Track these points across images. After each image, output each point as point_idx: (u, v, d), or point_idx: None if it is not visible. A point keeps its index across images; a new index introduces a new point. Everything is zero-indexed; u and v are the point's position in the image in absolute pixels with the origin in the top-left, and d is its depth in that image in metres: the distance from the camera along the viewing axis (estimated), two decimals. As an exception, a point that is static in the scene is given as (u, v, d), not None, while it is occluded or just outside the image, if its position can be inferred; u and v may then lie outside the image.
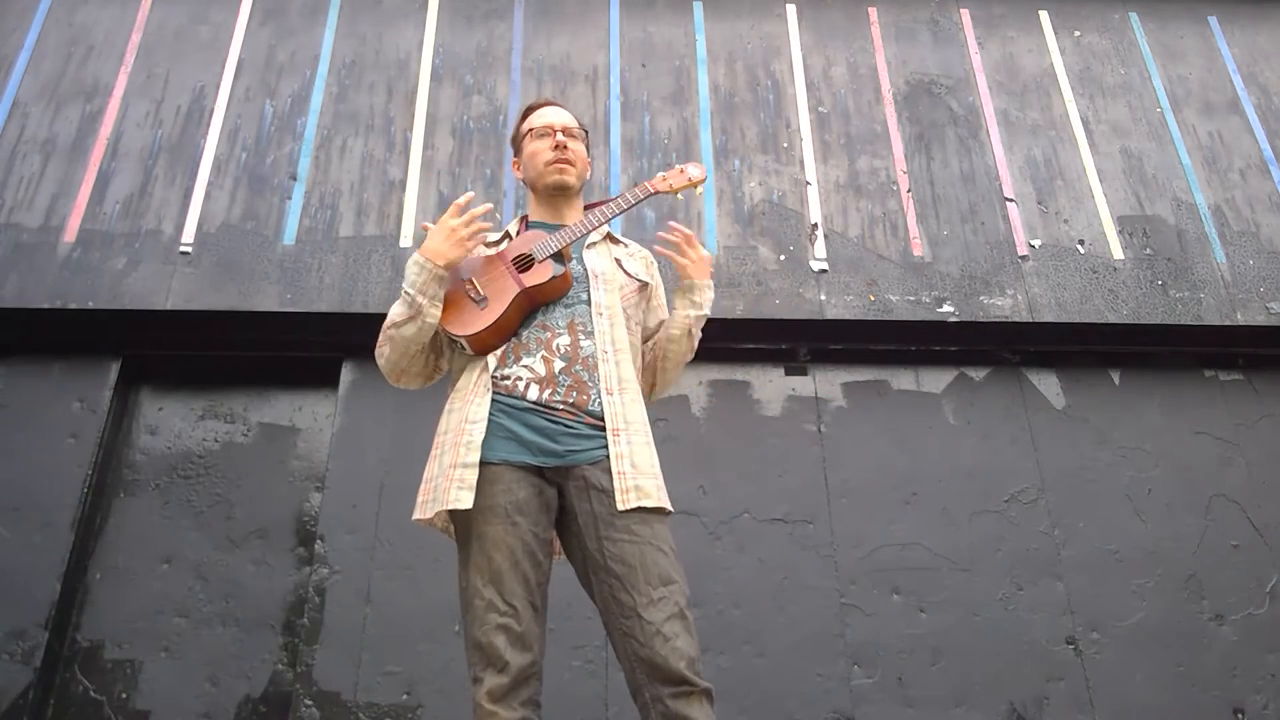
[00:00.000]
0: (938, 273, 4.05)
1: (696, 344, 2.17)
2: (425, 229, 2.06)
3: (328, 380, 3.91)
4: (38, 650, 3.32)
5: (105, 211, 3.97)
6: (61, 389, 3.77)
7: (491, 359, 1.97)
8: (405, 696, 3.32)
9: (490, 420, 1.91)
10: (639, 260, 2.22)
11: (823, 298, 3.96)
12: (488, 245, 2.17)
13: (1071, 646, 3.52)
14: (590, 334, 2.00)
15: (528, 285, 1.98)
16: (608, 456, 1.90)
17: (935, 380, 4.02)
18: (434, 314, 1.99)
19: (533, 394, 1.93)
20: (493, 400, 1.93)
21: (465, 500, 1.84)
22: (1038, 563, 3.65)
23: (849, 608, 3.55)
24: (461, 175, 4.15)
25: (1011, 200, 4.27)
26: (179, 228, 3.95)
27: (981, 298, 3.99)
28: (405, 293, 1.99)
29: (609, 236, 2.21)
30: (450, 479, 1.87)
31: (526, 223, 2.20)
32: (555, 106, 2.25)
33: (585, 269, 2.08)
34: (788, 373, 3.99)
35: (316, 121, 4.25)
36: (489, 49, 4.52)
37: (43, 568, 3.45)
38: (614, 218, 2.11)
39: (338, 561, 3.50)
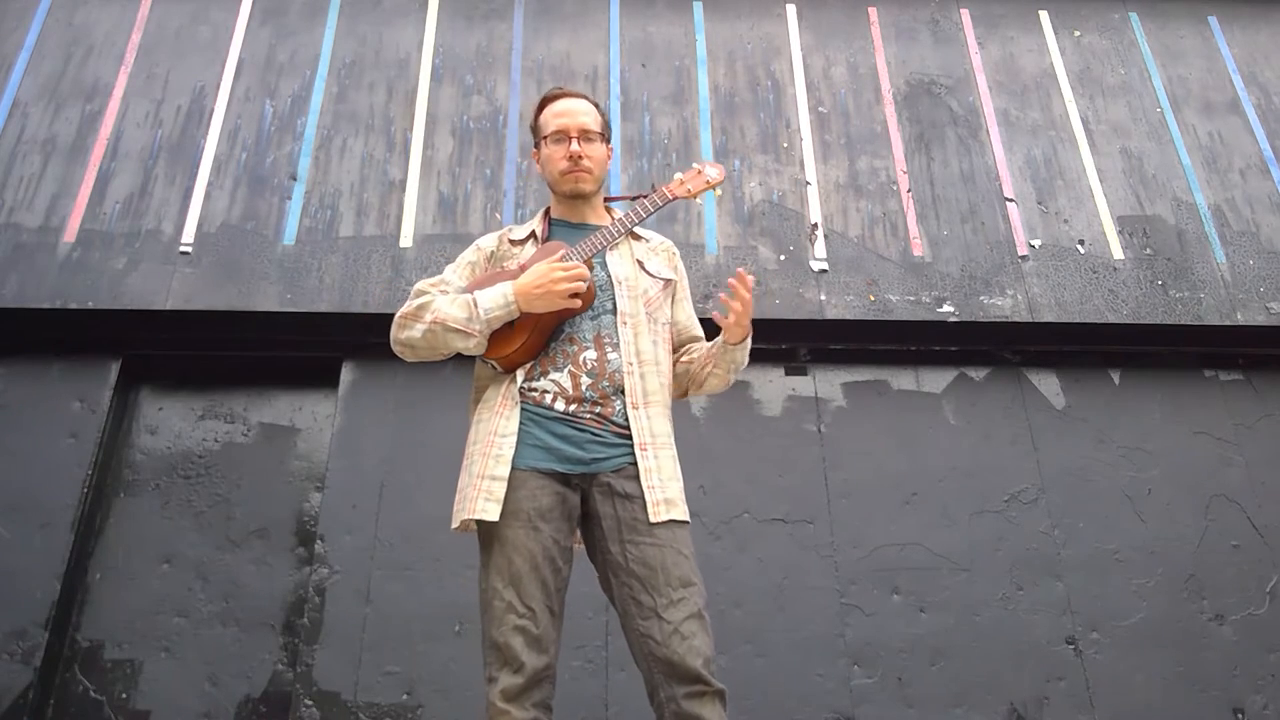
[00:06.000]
0: (938, 273, 4.05)
1: (734, 377, 2.17)
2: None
3: (328, 380, 3.91)
4: (38, 650, 3.32)
5: (105, 211, 3.97)
6: (61, 389, 3.77)
7: (520, 372, 1.99)
8: (405, 696, 3.32)
9: (519, 428, 1.93)
10: (662, 255, 2.20)
11: (823, 298, 3.96)
12: (513, 243, 2.16)
13: (1071, 646, 3.52)
14: (616, 345, 2.00)
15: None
16: (632, 463, 1.93)
17: (935, 380, 4.02)
18: (484, 346, 2.00)
19: (559, 406, 1.95)
20: (522, 409, 1.96)
21: (492, 512, 1.86)
22: (1038, 563, 3.65)
23: (849, 608, 3.55)
24: (461, 175, 4.15)
25: (1011, 200, 4.27)
26: (179, 228, 3.95)
27: (981, 298, 3.99)
28: (477, 314, 1.97)
29: (630, 233, 2.17)
30: (478, 489, 1.89)
31: (549, 220, 2.18)
32: (574, 100, 2.17)
33: (609, 275, 2.07)
34: (788, 373, 3.99)
35: (316, 121, 4.25)
36: (489, 49, 4.52)
37: (43, 568, 3.45)
38: (632, 228, 2.09)
39: (338, 561, 3.50)
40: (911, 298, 3.98)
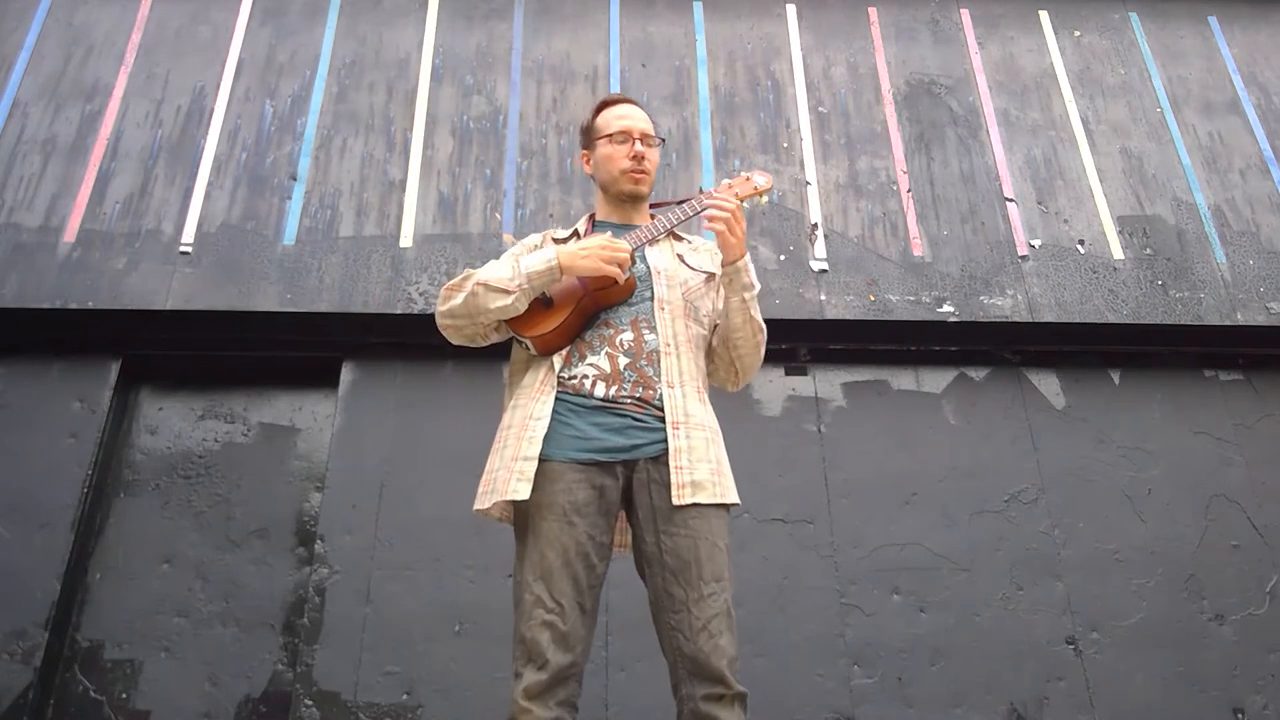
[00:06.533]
0: (938, 273, 4.05)
1: (761, 320, 2.12)
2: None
3: (328, 380, 3.91)
4: (38, 650, 3.32)
5: (105, 211, 3.97)
6: (61, 389, 3.77)
7: (557, 359, 1.99)
8: (405, 696, 3.32)
9: (556, 419, 1.93)
10: (704, 253, 2.21)
11: (823, 298, 3.96)
12: (556, 242, 2.19)
13: (1071, 646, 3.52)
14: (654, 328, 2.02)
15: (593, 289, 2.00)
16: (668, 450, 1.92)
17: (935, 380, 4.02)
18: (522, 306, 2.00)
19: (600, 391, 1.95)
20: (560, 399, 1.95)
21: (523, 491, 1.85)
22: (1038, 563, 3.65)
23: (849, 608, 3.55)
24: (461, 175, 4.15)
25: (1011, 200, 4.27)
26: (179, 228, 3.95)
27: (981, 298, 3.99)
28: (519, 270, 1.98)
29: (671, 233, 2.21)
30: (511, 471, 1.88)
31: (594, 222, 2.21)
32: (633, 106, 2.23)
33: (648, 266, 2.09)
34: (788, 373, 3.99)
35: (316, 121, 4.25)
36: (489, 49, 4.52)
37: (43, 568, 3.45)
38: (676, 225, 2.11)
39: (338, 561, 3.50)
40: (911, 298, 3.98)
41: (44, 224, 3.92)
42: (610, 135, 2.16)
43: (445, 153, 4.21)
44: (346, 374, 3.87)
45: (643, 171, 2.14)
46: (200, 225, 3.96)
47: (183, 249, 3.90)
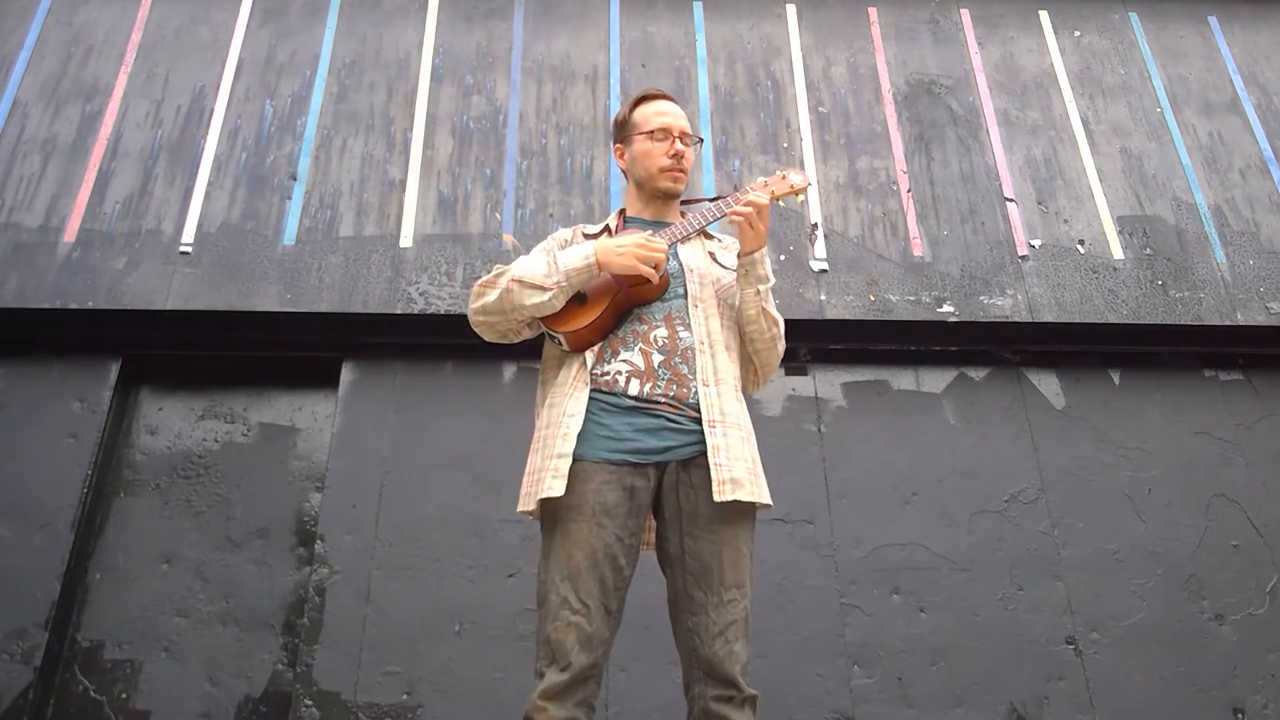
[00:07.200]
0: (938, 273, 4.05)
1: (777, 314, 2.11)
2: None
3: (328, 380, 3.91)
4: (38, 650, 3.32)
5: (105, 211, 3.97)
6: (61, 389, 3.77)
7: (589, 355, 1.98)
8: (405, 696, 3.32)
9: (589, 417, 1.92)
10: (734, 252, 2.20)
11: (823, 298, 3.96)
12: (586, 237, 2.18)
13: (1071, 646, 3.52)
14: (687, 326, 2.01)
15: (627, 285, 2.00)
16: (704, 452, 1.91)
17: (935, 380, 4.02)
18: (559, 303, 1.98)
19: (633, 389, 1.94)
20: (593, 398, 1.95)
21: (558, 488, 1.85)
22: (1038, 563, 3.65)
23: (849, 608, 3.55)
24: (461, 175, 4.15)
25: (1011, 200, 4.27)
26: (179, 228, 3.95)
27: (981, 298, 3.99)
28: (556, 268, 1.97)
29: (702, 231, 2.21)
30: (548, 469, 1.88)
31: (624, 218, 2.20)
32: (672, 103, 2.22)
33: (680, 264, 2.09)
34: (788, 373, 3.99)
35: (316, 121, 4.25)
36: (489, 49, 4.52)
37: (43, 568, 3.45)
38: (710, 224, 2.11)
39: (338, 561, 3.50)
40: (911, 298, 3.98)
41: (44, 224, 3.92)
42: (650, 132, 2.15)
43: (445, 153, 4.21)
44: (346, 374, 3.87)
45: (681, 170, 2.15)
46: (200, 225, 3.96)
47: (183, 249, 3.90)
